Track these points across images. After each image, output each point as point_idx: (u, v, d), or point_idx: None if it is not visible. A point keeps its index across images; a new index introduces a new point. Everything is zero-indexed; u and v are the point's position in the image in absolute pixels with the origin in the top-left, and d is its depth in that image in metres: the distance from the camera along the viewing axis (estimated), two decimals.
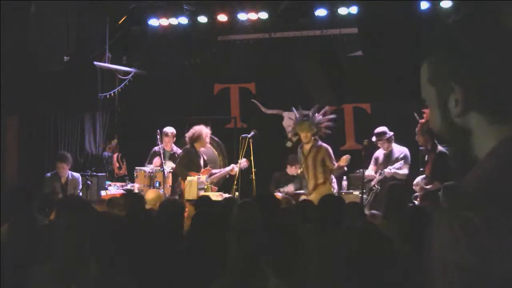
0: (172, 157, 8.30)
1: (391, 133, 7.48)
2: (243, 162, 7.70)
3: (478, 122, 1.10)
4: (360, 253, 1.92)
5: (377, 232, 2.11)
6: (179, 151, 8.25)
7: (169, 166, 8.06)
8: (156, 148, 8.25)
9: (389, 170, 7.23)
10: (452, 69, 1.11)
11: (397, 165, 7.26)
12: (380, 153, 7.55)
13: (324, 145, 7.34)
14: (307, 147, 7.36)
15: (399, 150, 7.44)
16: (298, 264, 2.19)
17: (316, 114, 7.43)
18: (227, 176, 8.19)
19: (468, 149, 1.13)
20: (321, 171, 7.27)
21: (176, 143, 8.52)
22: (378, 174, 7.39)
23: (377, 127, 7.58)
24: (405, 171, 7.30)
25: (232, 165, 8.04)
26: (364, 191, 7.29)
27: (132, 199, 5.21)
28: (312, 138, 7.32)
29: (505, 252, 0.90)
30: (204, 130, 7.82)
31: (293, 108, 7.67)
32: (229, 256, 2.69)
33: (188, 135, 7.87)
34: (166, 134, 8.31)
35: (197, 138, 7.77)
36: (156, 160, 8.09)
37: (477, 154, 1.11)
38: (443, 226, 0.97)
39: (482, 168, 1.04)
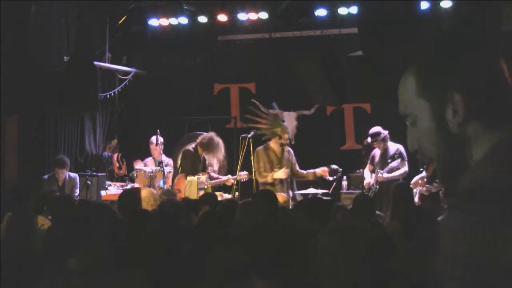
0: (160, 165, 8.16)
1: (386, 132, 7.46)
2: (243, 174, 7.66)
3: (475, 129, 1.09)
4: (365, 253, 1.92)
5: (384, 233, 2.11)
6: (167, 159, 8.20)
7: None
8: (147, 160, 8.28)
9: (381, 174, 7.23)
10: (449, 78, 1.09)
11: (391, 165, 7.25)
12: (376, 152, 7.57)
13: (289, 148, 7.50)
14: (280, 149, 7.39)
15: (394, 147, 7.45)
16: (284, 266, 2.19)
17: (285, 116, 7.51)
18: (222, 184, 8.16)
19: (465, 158, 1.11)
20: (290, 173, 7.43)
21: (175, 144, 8.50)
22: (376, 174, 7.39)
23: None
24: (403, 169, 7.31)
25: (229, 176, 7.99)
26: (364, 191, 7.31)
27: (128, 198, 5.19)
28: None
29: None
30: (220, 145, 7.74)
31: (291, 109, 7.68)
32: (211, 259, 2.69)
33: (203, 139, 7.75)
34: (151, 143, 8.24)
35: (208, 147, 7.68)
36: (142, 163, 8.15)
37: (471, 160, 1.11)
38: (455, 223, 0.98)
39: (480, 171, 1.05)
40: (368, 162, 7.68)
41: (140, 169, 8.12)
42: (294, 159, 7.48)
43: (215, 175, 8.03)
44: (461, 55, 1.09)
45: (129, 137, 9.80)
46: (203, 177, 7.56)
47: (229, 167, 8.82)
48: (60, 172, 7.81)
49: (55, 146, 8.80)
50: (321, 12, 8.49)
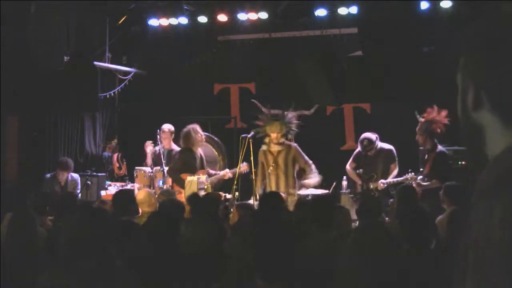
0: (169, 154, 8.24)
1: (377, 140, 7.41)
2: (243, 166, 7.65)
3: (491, 122, 1.12)
4: (367, 252, 1.93)
5: (387, 233, 2.12)
6: (177, 148, 8.22)
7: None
8: (156, 148, 8.25)
9: (383, 184, 7.21)
10: (471, 66, 1.14)
11: (390, 177, 7.25)
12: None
13: (293, 144, 7.50)
14: (276, 147, 7.42)
15: (387, 148, 7.41)
16: (286, 266, 2.19)
17: (286, 113, 7.48)
18: (221, 180, 8.15)
19: (481, 145, 1.14)
20: (292, 171, 7.43)
21: (175, 143, 8.50)
22: (362, 181, 7.38)
23: (377, 127, 7.55)
24: (395, 171, 7.30)
25: (226, 169, 8.00)
26: (357, 195, 7.34)
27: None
28: (282, 138, 7.43)
29: None
30: (192, 130, 7.73)
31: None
32: (225, 260, 2.69)
33: (181, 137, 7.81)
34: (163, 131, 8.30)
35: (188, 140, 7.71)
36: (148, 160, 8.15)
37: (488, 151, 1.13)
38: (479, 215, 1.01)
39: (498, 165, 1.07)
40: (352, 159, 7.60)
41: (140, 169, 8.13)
42: (298, 154, 7.43)
43: (213, 172, 8.04)
44: (484, 49, 1.12)
45: (129, 137, 9.79)
46: (203, 177, 7.54)
47: (228, 166, 8.82)
48: (61, 174, 7.82)
49: (55, 146, 8.80)
50: (321, 12, 8.49)
